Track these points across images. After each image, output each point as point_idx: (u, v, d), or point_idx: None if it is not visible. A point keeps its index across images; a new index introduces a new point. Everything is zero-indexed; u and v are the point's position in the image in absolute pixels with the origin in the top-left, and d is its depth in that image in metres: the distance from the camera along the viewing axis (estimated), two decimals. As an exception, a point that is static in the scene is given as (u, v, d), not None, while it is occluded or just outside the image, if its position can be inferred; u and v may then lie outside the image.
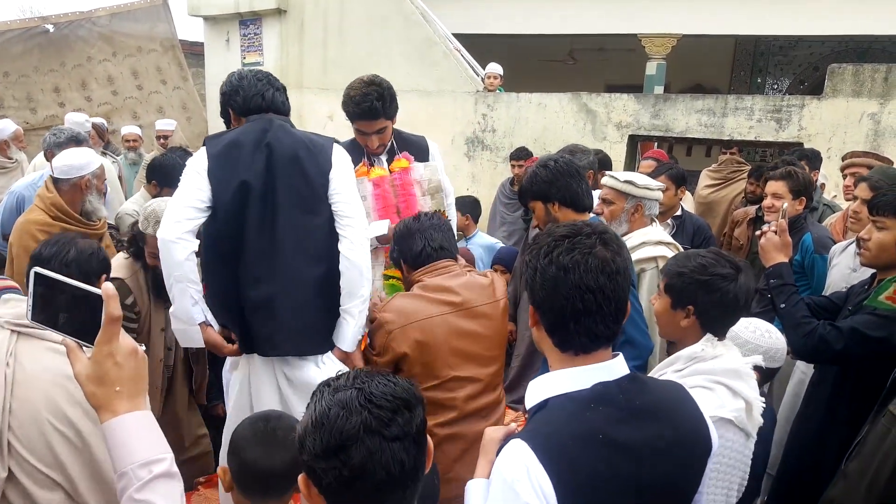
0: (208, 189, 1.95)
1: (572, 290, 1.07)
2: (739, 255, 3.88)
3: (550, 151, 3.90)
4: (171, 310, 2.03)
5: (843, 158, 3.71)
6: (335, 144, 2.08)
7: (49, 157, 3.63)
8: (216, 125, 7.81)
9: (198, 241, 1.94)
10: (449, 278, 2.01)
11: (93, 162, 2.96)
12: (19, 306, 1.48)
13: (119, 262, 2.44)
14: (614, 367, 1.12)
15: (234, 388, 2.15)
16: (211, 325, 2.01)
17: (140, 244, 2.43)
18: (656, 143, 6.32)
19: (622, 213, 2.54)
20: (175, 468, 0.95)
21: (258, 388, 2.06)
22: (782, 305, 2.08)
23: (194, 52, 8.46)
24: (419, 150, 2.70)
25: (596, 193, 3.10)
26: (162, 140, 5.95)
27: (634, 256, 2.42)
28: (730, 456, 1.45)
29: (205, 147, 2.01)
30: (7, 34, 6.72)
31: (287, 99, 2.15)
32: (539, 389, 1.13)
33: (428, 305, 1.94)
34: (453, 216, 2.84)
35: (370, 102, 2.38)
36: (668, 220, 3.59)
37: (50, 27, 7.02)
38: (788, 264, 2.15)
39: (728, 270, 1.53)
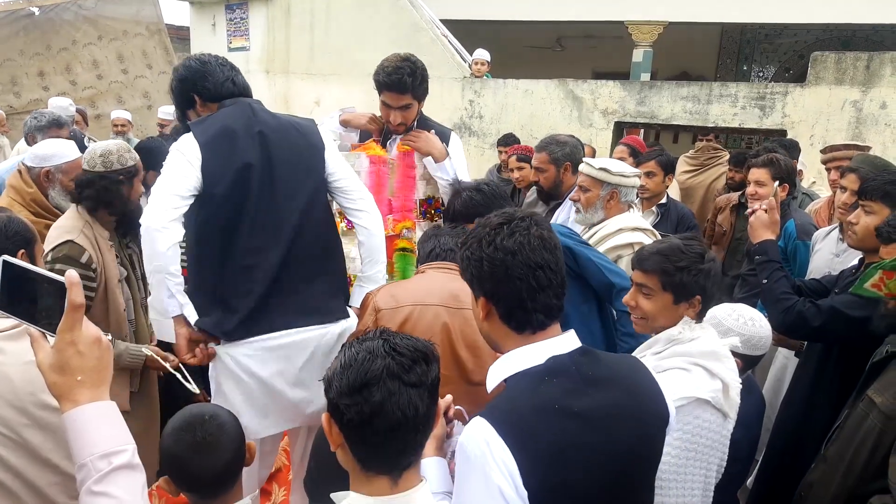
0: (197, 178, 1.88)
1: (524, 270, 1.12)
2: (723, 242, 3.94)
3: (537, 138, 3.92)
4: (148, 299, 2.00)
5: (824, 152, 3.75)
6: (317, 124, 2.12)
7: (30, 140, 3.55)
8: (203, 111, 7.77)
9: (182, 231, 1.88)
10: (451, 279, 1.91)
11: (59, 155, 2.72)
12: None
13: (66, 223, 2.35)
14: (566, 342, 1.17)
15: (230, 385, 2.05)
16: (187, 322, 1.92)
17: (92, 188, 2.32)
18: (642, 130, 6.38)
19: (598, 199, 2.54)
20: (137, 459, 0.92)
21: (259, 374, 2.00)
22: (764, 281, 2.12)
23: (180, 37, 8.38)
24: (440, 138, 2.67)
25: None
26: (161, 129, 5.86)
27: (611, 243, 2.44)
28: (707, 437, 1.47)
29: (192, 134, 1.95)
30: (-9, 17, 6.63)
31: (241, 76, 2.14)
32: (497, 373, 1.17)
33: (423, 294, 1.90)
34: None
35: (401, 75, 2.40)
36: (653, 208, 3.61)
37: (35, 10, 6.92)
38: (775, 242, 2.18)
39: (701, 248, 1.57)
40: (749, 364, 1.91)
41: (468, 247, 1.19)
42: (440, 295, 1.87)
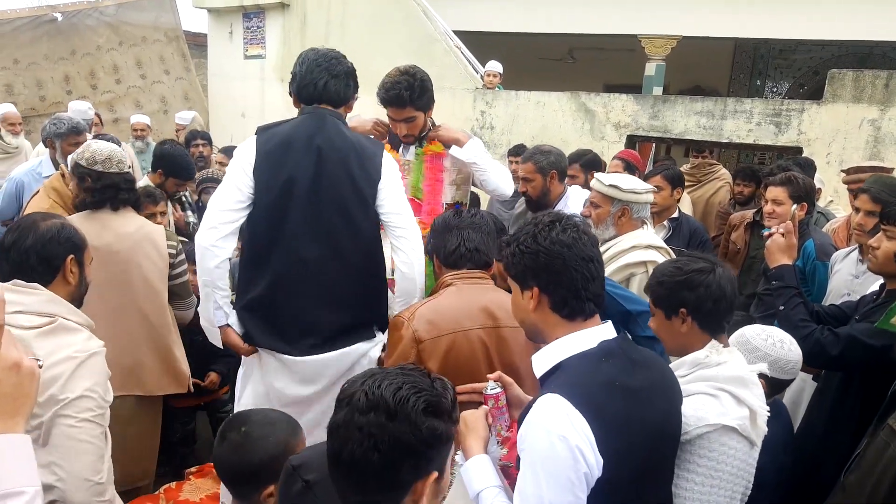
0: (250, 186, 1.96)
1: (579, 262, 1.25)
2: (737, 259, 3.90)
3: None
4: (199, 308, 2.14)
5: (847, 172, 3.70)
6: (385, 152, 2.10)
7: (49, 145, 3.59)
8: (217, 116, 7.85)
9: (232, 247, 1.96)
10: (483, 292, 1.86)
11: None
12: None
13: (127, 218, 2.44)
14: (610, 329, 1.30)
15: (249, 386, 2.18)
16: (231, 328, 2.06)
17: (105, 194, 2.37)
18: (654, 144, 6.35)
19: (608, 216, 2.51)
20: (38, 502, 0.84)
21: (273, 383, 2.09)
22: (781, 307, 2.07)
23: (197, 44, 8.48)
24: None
25: (573, 190, 3.13)
26: (176, 134, 5.96)
27: (623, 261, 2.39)
28: (732, 464, 1.42)
29: (255, 139, 2.02)
30: (16, 22, 6.75)
31: (350, 82, 2.09)
32: (549, 357, 1.27)
33: (462, 317, 1.78)
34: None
35: (398, 91, 2.42)
36: (665, 223, 3.58)
37: (58, 16, 7.05)
38: (792, 266, 2.14)
39: (702, 265, 1.56)
40: (775, 389, 1.85)
41: (521, 242, 1.28)
42: (478, 316, 1.80)
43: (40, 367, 0.88)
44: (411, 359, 1.72)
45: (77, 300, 1.64)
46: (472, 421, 1.37)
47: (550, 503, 1.11)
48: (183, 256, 2.57)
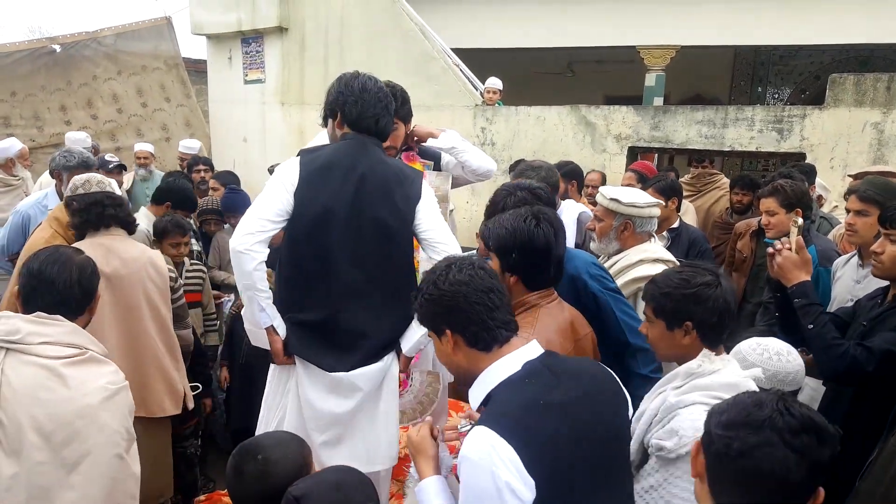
0: (290, 204, 2.03)
1: (479, 294, 1.31)
2: (743, 268, 3.86)
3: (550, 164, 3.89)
4: (242, 312, 2.19)
5: (855, 177, 3.67)
6: (423, 179, 2.18)
7: (56, 177, 3.61)
8: (219, 142, 7.88)
9: (266, 251, 2.02)
10: (562, 310, 1.81)
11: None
12: (9, 322, 1.54)
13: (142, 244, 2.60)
14: (533, 349, 1.33)
15: (279, 393, 2.22)
16: (277, 332, 2.10)
17: (91, 213, 2.42)
18: (656, 155, 6.31)
19: (611, 230, 2.49)
20: None
21: (308, 393, 2.13)
22: (810, 326, 1.99)
23: (197, 70, 8.56)
24: (433, 157, 2.82)
25: (567, 204, 3.10)
26: (181, 162, 5.95)
27: (631, 275, 2.36)
28: None
29: (298, 160, 2.08)
30: (15, 55, 6.83)
31: (392, 117, 2.18)
32: (480, 390, 1.31)
33: (561, 339, 1.72)
34: (453, 226, 2.90)
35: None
36: (664, 233, 3.56)
37: (57, 47, 7.13)
38: (811, 283, 2.08)
39: (709, 278, 1.55)
40: None
41: (424, 291, 1.35)
42: (568, 332, 1.77)
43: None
44: None
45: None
46: (419, 441, 1.40)
47: None
48: (181, 281, 2.66)
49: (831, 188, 4.73)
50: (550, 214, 1.82)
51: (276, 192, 2.03)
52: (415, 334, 2.11)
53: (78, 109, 7.31)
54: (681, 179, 5.21)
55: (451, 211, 2.93)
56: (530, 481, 1.12)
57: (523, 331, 1.65)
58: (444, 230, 2.11)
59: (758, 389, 1.48)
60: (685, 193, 5.00)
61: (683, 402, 1.47)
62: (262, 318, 2.07)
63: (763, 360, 1.80)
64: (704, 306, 1.51)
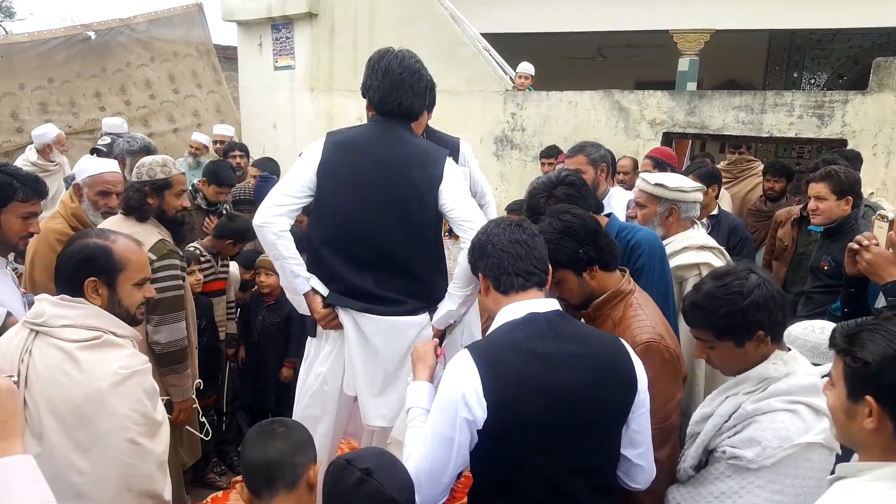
0: (313, 181, 2.09)
1: (506, 244, 1.50)
2: (784, 257, 3.79)
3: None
4: (280, 282, 2.24)
5: None
6: (449, 159, 2.14)
7: (120, 162, 3.67)
8: (249, 127, 7.95)
9: (288, 220, 2.07)
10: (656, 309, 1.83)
11: (86, 170, 2.85)
12: (38, 305, 1.56)
13: (137, 228, 2.48)
14: (545, 304, 1.48)
15: (319, 358, 2.24)
16: (318, 293, 2.13)
17: (149, 201, 2.54)
18: (690, 141, 6.21)
19: (655, 216, 2.45)
20: None
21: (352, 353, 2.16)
22: None
23: (227, 57, 8.62)
24: (450, 149, 2.70)
25: (615, 190, 3.07)
26: (218, 145, 6.04)
27: (675, 262, 2.32)
28: (816, 476, 1.39)
29: (324, 140, 2.13)
30: (51, 42, 6.94)
31: (426, 96, 2.16)
32: (493, 328, 1.47)
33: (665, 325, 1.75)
34: (493, 214, 2.86)
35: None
36: (704, 220, 3.51)
37: (91, 34, 7.23)
38: None
39: (753, 278, 1.47)
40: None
41: (472, 239, 1.61)
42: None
43: (15, 383, 0.87)
44: (679, 376, 1.70)
45: (123, 317, 1.62)
46: (423, 352, 1.69)
47: (433, 430, 1.39)
48: (168, 270, 2.54)
49: (873, 175, 4.61)
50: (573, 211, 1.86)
51: (301, 169, 2.10)
52: (443, 307, 2.12)
53: (112, 95, 7.42)
54: (717, 166, 5.13)
55: (489, 203, 2.88)
56: (483, 402, 1.33)
57: (638, 321, 1.69)
58: (469, 208, 2.06)
59: None
60: (723, 180, 4.94)
61: (762, 410, 1.43)
62: (299, 284, 2.11)
63: (805, 333, 1.77)
64: (768, 309, 1.45)
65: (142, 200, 2.54)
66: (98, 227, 2.64)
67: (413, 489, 1.34)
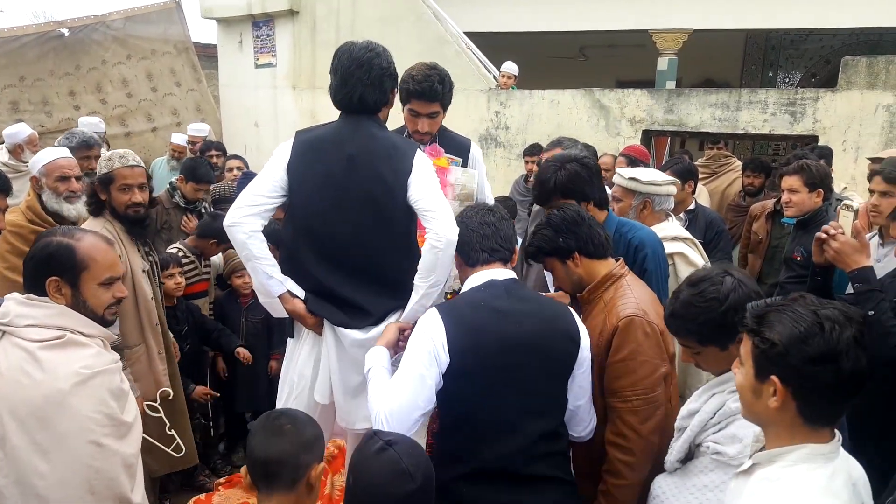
0: (283, 180, 2.07)
1: (476, 225, 1.82)
2: (759, 250, 3.89)
3: (565, 147, 3.92)
4: (254, 286, 2.20)
5: (873, 160, 3.67)
6: (418, 151, 2.12)
7: None
8: (230, 126, 7.90)
9: (256, 226, 2.04)
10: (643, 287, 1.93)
11: (41, 160, 2.83)
12: (5, 305, 1.52)
13: (89, 223, 2.52)
14: (504, 273, 1.76)
15: (299, 361, 2.22)
16: (296, 296, 2.10)
17: (100, 196, 2.52)
18: (670, 138, 6.33)
19: (630, 209, 2.52)
20: None
21: (329, 358, 2.15)
22: (871, 312, 1.96)
23: (207, 55, 8.53)
24: (460, 149, 2.71)
25: None
26: (192, 145, 5.91)
27: None
28: None
29: (293, 139, 2.11)
30: (23, 39, 6.79)
31: (384, 83, 2.09)
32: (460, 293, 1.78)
33: (654, 302, 1.85)
34: None
35: (431, 83, 2.41)
36: (681, 215, 3.59)
37: (65, 31, 7.09)
38: (871, 267, 2.03)
39: (728, 281, 1.48)
40: None
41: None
42: (658, 306, 1.85)
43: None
44: (663, 351, 1.74)
45: (90, 318, 1.58)
46: (387, 331, 1.95)
47: (404, 372, 1.61)
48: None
49: (842, 170, 4.75)
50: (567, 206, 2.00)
51: (271, 168, 2.08)
52: (411, 301, 2.08)
53: (87, 94, 7.29)
54: (696, 162, 5.24)
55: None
56: (447, 349, 1.59)
57: (624, 299, 1.77)
58: (433, 198, 2.02)
59: None
60: (701, 175, 5.03)
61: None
62: (273, 286, 2.07)
63: None
64: (744, 307, 1.45)
65: (93, 195, 2.54)
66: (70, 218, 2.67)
67: (433, 477, 1.38)
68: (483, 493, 1.61)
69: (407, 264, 2.08)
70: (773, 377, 1.10)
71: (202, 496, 3.17)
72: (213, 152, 5.39)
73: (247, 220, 2.02)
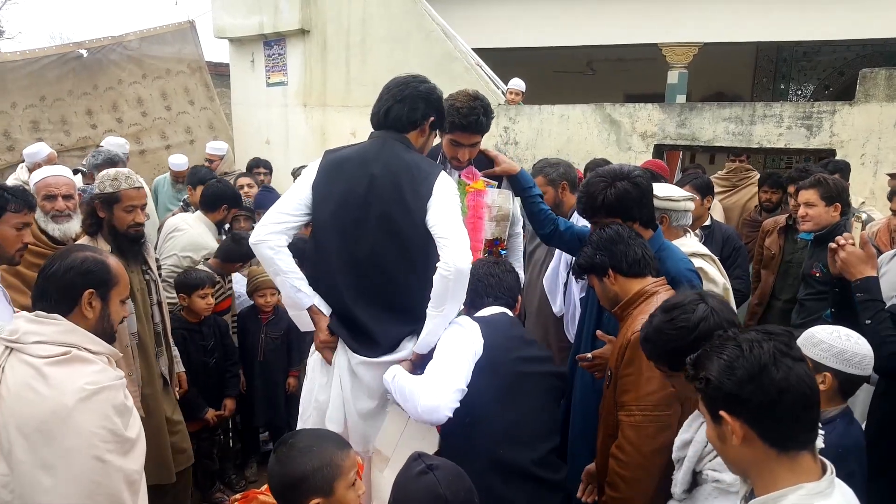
0: (308, 198, 2.10)
1: (483, 276, 2.16)
2: (772, 265, 3.82)
3: (575, 162, 3.89)
4: (282, 300, 2.26)
5: (893, 176, 3.62)
6: (442, 173, 2.09)
7: (89, 179, 3.69)
8: (242, 144, 7.96)
9: (285, 238, 2.07)
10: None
11: (33, 179, 2.85)
12: (15, 322, 1.55)
13: (85, 243, 2.54)
14: (503, 311, 2.12)
15: (319, 379, 2.23)
16: (321, 310, 2.13)
17: (99, 214, 2.52)
18: (682, 153, 6.27)
19: None
20: None
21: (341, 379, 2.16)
22: (868, 321, 1.99)
23: (220, 73, 8.64)
24: (487, 167, 2.72)
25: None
26: (207, 164, 5.82)
27: None
28: None
29: (321, 158, 2.15)
30: (43, 60, 6.93)
31: (418, 105, 2.10)
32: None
33: None
34: (519, 245, 2.87)
35: (477, 116, 2.43)
36: (697, 231, 3.53)
37: (83, 52, 7.23)
38: (877, 279, 2.06)
39: (701, 308, 1.49)
40: (846, 387, 1.77)
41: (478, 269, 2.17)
42: None
43: None
44: None
45: (101, 334, 1.62)
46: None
47: (454, 346, 1.94)
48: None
49: (861, 184, 4.66)
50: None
51: (297, 187, 2.13)
52: (423, 331, 2.05)
53: (104, 113, 7.41)
54: (716, 175, 5.17)
55: (518, 234, 2.85)
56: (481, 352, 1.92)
57: (642, 316, 1.72)
58: (449, 225, 1.99)
59: None
60: (721, 189, 4.99)
61: None
62: (301, 299, 2.09)
63: (832, 338, 1.76)
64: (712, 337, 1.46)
65: (91, 214, 2.54)
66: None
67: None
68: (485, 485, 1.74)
69: (424, 290, 2.03)
70: (722, 412, 1.12)
71: None
72: (262, 169, 5.44)
73: (272, 238, 2.05)
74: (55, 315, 1.54)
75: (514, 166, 2.68)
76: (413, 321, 2.07)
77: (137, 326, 2.59)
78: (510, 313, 2.09)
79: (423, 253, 2.07)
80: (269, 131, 7.63)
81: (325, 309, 2.12)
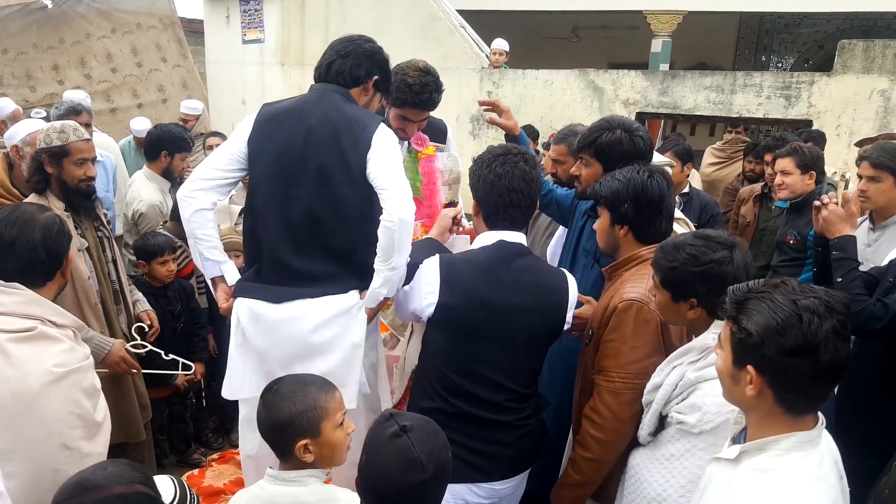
0: (242, 152, 2.00)
1: (504, 191, 1.75)
2: (747, 233, 3.89)
3: (556, 129, 3.88)
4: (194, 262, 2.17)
5: (859, 145, 3.69)
6: (381, 125, 2.01)
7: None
8: (216, 103, 7.75)
9: (209, 201, 1.99)
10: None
11: (22, 130, 2.70)
12: None
13: (39, 201, 2.35)
14: (515, 236, 1.78)
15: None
16: (222, 280, 2.07)
17: (47, 169, 2.34)
18: (663, 121, 6.29)
19: None
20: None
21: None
22: (839, 279, 2.02)
23: (193, 30, 8.34)
24: (438, 133, 2.67)
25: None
26: (182, 124, 5.53)
27: None
28: None
29: (257, 112, 2.05)
30: (4, 10, 6.60)
31: (361, 62, 2.02)
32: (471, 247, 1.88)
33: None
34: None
35: (430, 94, 2.35)
36: (676, 198, 3.57)
37: (48, 3, 6.89)
38: (853, 237, 2.08)
39: (722, 254, 1.48)
40: None
41: (478, 164, 1.81)
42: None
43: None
44: (659, 341, 1.70)
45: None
46: (442, 219, 2.19)
47: (410, 296, 1.84)
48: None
49: (836, 154, 4.75)
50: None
51: (230, 141, 2.04)
52: (372, 285, 1.96)
53: (71, 68, 7.11)
54: (713, 146, 5.16)
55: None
56: (437, 290, 1.72)
57: (638, 283, 1.72)
58: (390, 175, 1.92)
59: None
60: (714, 160, 5.00)
61: (703, 377, 1.47)
62: (207, 268, 2.05)
63: None
64: (711, 285, 1.46)
65: (38, 170, 2.34)
66: None
67: (447, 464, 1.36)
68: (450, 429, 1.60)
69: (367, 246, 1.96)
70: (750, 367, 1.08)
71: (195, 472, 3.19)
72: (217, 140, 5.16)
73: (198, 195, 1.97)
74: (15, 284, 1.45)
75: (517, 126, 2.63)
76: (359, 277, 2.00)
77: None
78: (515, 237, 1.77)
79: (364, 208, 2.01)
80: (244, 91, 7.43)
81: (231, 278, 2.06)
